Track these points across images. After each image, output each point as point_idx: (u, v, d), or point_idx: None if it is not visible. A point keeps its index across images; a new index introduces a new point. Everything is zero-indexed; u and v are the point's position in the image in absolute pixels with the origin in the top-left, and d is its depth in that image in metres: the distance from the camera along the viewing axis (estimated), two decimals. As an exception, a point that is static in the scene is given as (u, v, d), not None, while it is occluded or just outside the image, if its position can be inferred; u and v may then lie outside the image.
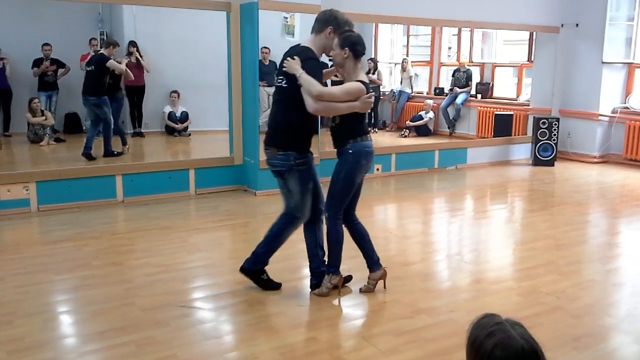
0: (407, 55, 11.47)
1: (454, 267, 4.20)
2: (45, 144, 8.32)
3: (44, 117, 8.49)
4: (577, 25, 8.33)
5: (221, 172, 6.32)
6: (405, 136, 10.04)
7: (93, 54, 8.03)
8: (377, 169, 7.24)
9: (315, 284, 3.61)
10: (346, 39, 3.28)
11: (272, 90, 8.36)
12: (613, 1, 8.11)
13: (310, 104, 3.22)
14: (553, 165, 8.08)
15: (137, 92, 9.36)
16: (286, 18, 6.68)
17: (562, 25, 8.40)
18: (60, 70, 9.06)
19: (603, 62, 8.17)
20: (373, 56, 11.17)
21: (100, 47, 8.18)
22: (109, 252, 4.34)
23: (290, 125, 3.37)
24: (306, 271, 4.10)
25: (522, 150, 8.52)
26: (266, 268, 3.67)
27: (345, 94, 3.27)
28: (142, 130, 9.49)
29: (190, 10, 6.37)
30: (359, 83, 3.29)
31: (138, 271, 3.94)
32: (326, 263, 3.58)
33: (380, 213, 6.00)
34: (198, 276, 3.93)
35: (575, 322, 3.33)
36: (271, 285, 3.64)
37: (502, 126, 8.47)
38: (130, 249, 4.46)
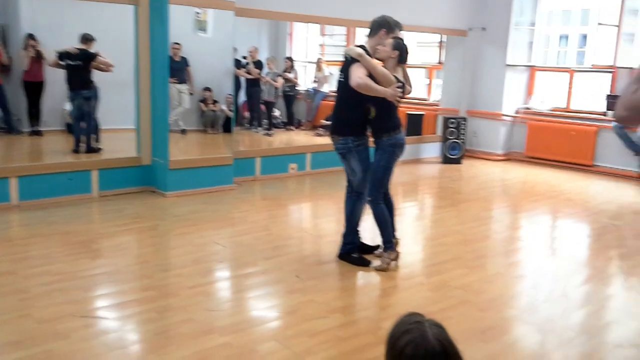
0: (323, 55, 11.52)
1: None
2: None
3: None
4: (483, 29, 8.71)
5: (127, 172, 6.02)
6: (320, 135, 10.06)
7: None
8: (293, 168, 7.20)
9: (342, 253, 4.16)
10: (400, 44, 3.96)
11: (183, 87, 8.19)
12: (518, 6, 8.53)
13: (354, 79, 3.77)
14: (461, 163, 8.40)
15: (35, 88, 8.72)
16: (198, 13, 6.49)
17: (470, 29, 8.75)
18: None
19: (507, 65, 8.59)
20: (288, 54, 11.15)
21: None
22: (1, 260, 3.99)
23: (343, 116, 4.02)
24: (217, 275, 4.00)
25: (432, 149, 8.78)
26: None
27: (381, 74, 3.82)
28: (40, 129, 8.89)
29: (94, 3, 6.02)
30: (392, 75, 3.87)
31: (34, 280, 3.65)
32: (382, 241, 4.08)
33: (295, 212, 5.96)
34: (101, 284, 3.70)
35: (481, 315, 3.44)
36: (362, 262, 4.08)
37: (414, 125, 8.69)
38: (25, 257, 4.13)
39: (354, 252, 4.17)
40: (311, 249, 4.58)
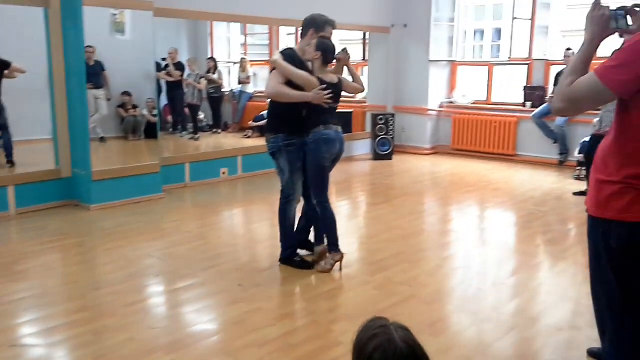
0: (246, 55, 11.35)
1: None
2: None
3: None
4: (405, 25, 8.86)
5: (46, 186, 5.64)
6: (249, 137, 9.90)
7: None
8: (224, 173, 7.02)
9: (283, 258, 4.07)
10: (322, 44, 3.81)
11: (99, 92, 7.79)
12: (435, 3, 8.73)
13: (267, 89, 3.82)
14: (391, 158, 8.51)
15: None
16: (115, 15, 6.18)
17: (392, 25, 8.88)
18: None
19: (430, 61, 8.79)
20: (210, 55, 10.89)
21: None
22: None
23: (276, 113, 3.91)
24: (154, 289, 3.81)
25: (362, 146, 8.85)
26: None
27: (299, 78, 3.74)
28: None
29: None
30: (313, 77, 3.77)
31: (-51, 311, 3.32)
32: (327, 243, 4.00)
33: (230, 219, 5.80)
34: (29, 308, 3.40)
35: (428, 308, 3.46)
36: (305, 265, 4.00)
37: (343, 123, 8.68)
38: (-63, 285, 3.76)
39: (295, 255, 4.08)
40: (250, 255, 4.46)
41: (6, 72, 6.60)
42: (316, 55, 3.81)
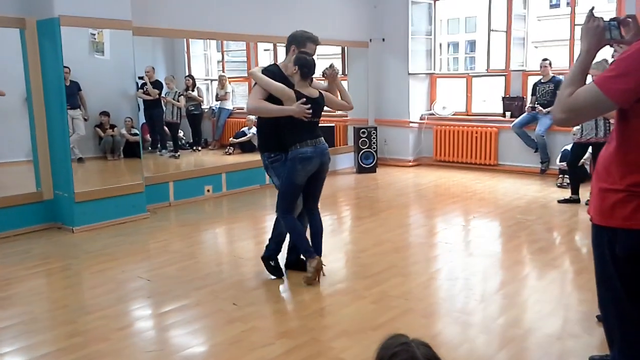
0: (224, 71, 11.32)
1: (303, 284, 4.08)
2: None
3: None
4: (383, 39, 8.94)
5: (28, 209, 5.51)
6: (230, 153, 9.84)
7: None
8: (208, 190, 6.95)
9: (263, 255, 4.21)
10: (299, 59, 3.86)
11: (75, 112, 7.65)
12: (411, 17, 8.83)
13: (247, 105, 3.91)
14: (375, 171, 8.53)
15: None
16: (94, 35, 6.10)
17: (370, 40, 8.95)
18: None
19: (409, 74, 8.86)
20: (187, 73, 10.84)
21: None
22: None
23: (262, 131, 4.14)
24: (147, 312, 3.73)
25: (345, 160, 8.85)
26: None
27: (276, 91, 3.80)
28: None
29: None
30: (290, 90, 3.83)
31: None
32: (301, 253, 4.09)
33: (218, 237, 5.73)
34: (19, 335, 3.28)
35: (426, 322, 3.45)
36: (274, 271, 4.14)
37: (325, 137, 8.67)
38: None
39: (272, 259, 4.18)
40: (242, 273, 4.39)
41: None
42: (294, 69, 3.86)
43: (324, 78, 4.22)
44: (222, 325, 3.39)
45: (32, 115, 5.59)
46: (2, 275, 4.35)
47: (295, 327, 3.41)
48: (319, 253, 4.08)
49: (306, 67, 3.87)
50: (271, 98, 3.83)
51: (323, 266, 4.03)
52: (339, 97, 4.27)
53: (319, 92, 4.01)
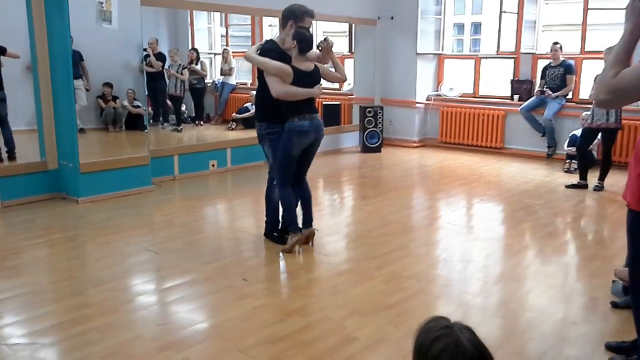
0: (227, 46, 11.16)
1: (313, 262, 4.06)
2: None
3: None
4: (392, 18, 8.79)
5: (32, 179, 5.43)
6: (233, 129, 9.74)
7: None
8: (213, 165, 6.88)
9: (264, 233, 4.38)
10: (298, 34, 3.89)
11: (78, 82, 7.52)
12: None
13: (273, 92, 3.86)
14: (380, 151, 8.46)
15: None
16: (101, 3, 5.96)
17: (378, 17, 8.81)
18: None
19: (417, 53, 8.74)
20: (191, 46, 10.68)
21: None
22: None
23: (261, 102, 4.07)
24: (156, 285, 3.69)
25: (351, 139, 8.78)
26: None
27: (270, 67, 3.87)
28: None
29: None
30: (287, 66, 3.87)
31: (-60, 310, 3.15)
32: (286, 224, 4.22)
33: (224, 212, 5.68)
34: (27, 305, 3.24)
35: (439, 302, 3.42)
36: (281, 241, 4.22)
37: (331, 116, 8.63)
38: None
39: (274, 231, 4.36)
40: (251, 249, 4.34)
41: (2, 58, 6.27)
42: (293, 44, 3.89)
43: (319, 50, 4.21)
44: (233, 300, 3.35)
45: (37, 84, 5.48)
46: (7, 244, 4.30)
47: (306, 304, 3.38)
48: (310, 220, 4.24)
49: (304, 42, 3.92)
50: (262, 76, 3.95)
51: (315, 231, 4.26)
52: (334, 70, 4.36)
53: (314, 65, 4.05)
